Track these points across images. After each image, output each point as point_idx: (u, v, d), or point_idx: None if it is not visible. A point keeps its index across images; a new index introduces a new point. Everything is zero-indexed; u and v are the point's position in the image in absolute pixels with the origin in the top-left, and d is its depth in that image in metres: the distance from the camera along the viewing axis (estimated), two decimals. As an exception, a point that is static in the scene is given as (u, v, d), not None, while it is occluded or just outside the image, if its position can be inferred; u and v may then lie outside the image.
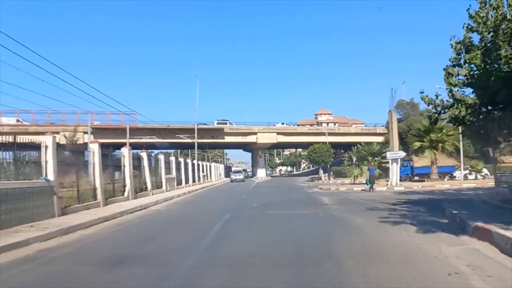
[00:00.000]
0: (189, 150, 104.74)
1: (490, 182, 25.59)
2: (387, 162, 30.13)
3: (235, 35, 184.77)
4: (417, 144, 32.04)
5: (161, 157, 27.32)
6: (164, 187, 26.13)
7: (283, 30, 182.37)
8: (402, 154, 28.01)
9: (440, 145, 31.51)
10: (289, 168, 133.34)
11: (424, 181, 33.07)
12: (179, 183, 31.84)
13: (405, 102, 75.71)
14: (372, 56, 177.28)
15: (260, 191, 28.65)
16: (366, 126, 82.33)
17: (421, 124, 32.19)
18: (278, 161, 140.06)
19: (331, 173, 55.33)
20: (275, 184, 42.24)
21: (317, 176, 55.49)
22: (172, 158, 32.65)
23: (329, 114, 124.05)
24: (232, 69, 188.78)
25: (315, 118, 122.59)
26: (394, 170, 28.21)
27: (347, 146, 65.72)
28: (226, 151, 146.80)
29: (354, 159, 33.72)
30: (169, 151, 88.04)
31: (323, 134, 67.00)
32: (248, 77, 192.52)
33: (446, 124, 31.37)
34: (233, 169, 67.49)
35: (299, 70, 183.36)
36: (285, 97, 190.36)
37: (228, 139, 72.31)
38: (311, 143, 54.87)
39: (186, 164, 36.35)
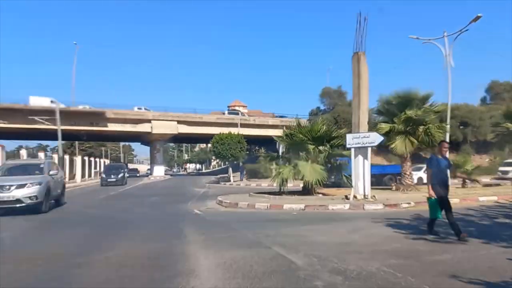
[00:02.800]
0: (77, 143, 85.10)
1: None
2: (341, 155, 16.76)
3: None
4: (385, 127, 19.11)
5: None
6: None
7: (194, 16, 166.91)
8: (378, 138, 14.59)
9: (421, 128, 18.92)
10: (198, 166, 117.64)
11: (391, 188, 20.39)
12: None
13: (331, 90, 64.97)
14: (293, 47, 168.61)
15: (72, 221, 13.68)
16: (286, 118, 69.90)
17: (394, 97, 19.36)
18: (186, 158, 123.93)
19: (244, 172, 41.51)
20: (159, 189, 30.24)
21: (227, 175, 41.22)
22: None
23: (243, 106, 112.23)
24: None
25: (228, 110, 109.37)
26: (361, 170, 14.79)
27: (264, 142, 52.94)
28: (133, 146, 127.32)
29: (281, 149, 19.78)
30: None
31: (235, 125, 53.47)
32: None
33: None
34: (104, 166, 50.32)
35: (212, 56, 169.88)
36: (196, 85, 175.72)
37: (112, 127, 55.27)
38: (221, 135, 40.45)
39: None
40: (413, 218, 11.11)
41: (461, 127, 54.78)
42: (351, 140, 14.58)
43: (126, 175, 39.10)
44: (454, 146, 53.81)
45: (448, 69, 21.02)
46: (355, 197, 14.66)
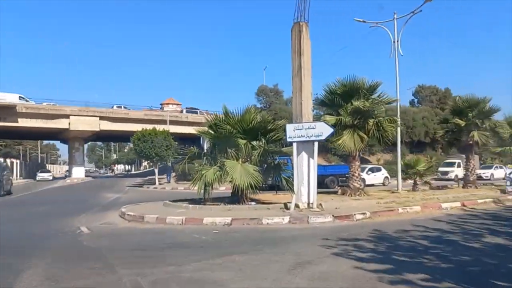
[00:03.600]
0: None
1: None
2: (280, 153, 13.47)
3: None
4: (330, 119, 16.15)
5: None
6: None
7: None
8: (326, 130, 11.33)
9: (371, 122, 16.18)
10: (128, 167, 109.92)
11: (336, 192, 17.54)
12: None
13: (268, 89, 62.49)
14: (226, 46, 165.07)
15: None
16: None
17: (339, 87, 16.42)
18: (115, 158, 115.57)
19: (172, 173, 37.36)
20: (61, 195, 25.61)
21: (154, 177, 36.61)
22: None
23: (177, 104, 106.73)
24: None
25: (161, 108, 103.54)
26: (305, 170, 11.53)
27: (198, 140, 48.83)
28: (58, 145, 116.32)
29: (206, 145, 16.03)
30: None
31: (164, 122, 49.00)
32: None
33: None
34: None
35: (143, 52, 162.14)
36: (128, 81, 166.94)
37: (24, 122, 48.25)
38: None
39: None
40: (375, 237, 8.01)
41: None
42: (292, 132, 11.28)
43: (10, 178, 28.36)
44: (391, 146, 53.74)
45: (396, 57, 18.67)
46: (297, 206, 11.39)
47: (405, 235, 8.18)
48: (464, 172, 21.15)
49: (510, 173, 16.63)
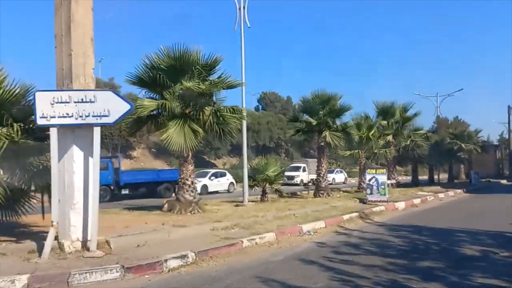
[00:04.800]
0: None
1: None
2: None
3: None
4: (149, 105, 11.12)
5: None
6: None
7: None
8: (119, 104, 6.18)
9: (207, 110, 11.65)
10: None
11: (162, 207, 12.39)
12: None
13: (102, 83, 54.39)
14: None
15: None
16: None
17: (164, 59, 11.44)
18: None
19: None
20: None
21: None
22: None
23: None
24: None
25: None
26: (78, 181, 6.12)
27: None
28: None
29: None
30: None
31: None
32: None
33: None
34: None
35: None
36: None
37: None
38: None
39: None
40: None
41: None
42: (49, 106, 5.83)
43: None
44: (237, 150, 51.47)
45: (242, 29, 14.52)
46: (61, 247, 5.97)
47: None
48: (316, 177, 18.43)
49: (370, 180, 14.07)
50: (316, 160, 19.82)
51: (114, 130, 32.87)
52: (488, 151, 40.47)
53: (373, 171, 14.65)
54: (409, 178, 35.46)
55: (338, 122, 18.54)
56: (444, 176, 36.85)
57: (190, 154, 12.01)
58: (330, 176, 32.42)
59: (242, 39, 14.31)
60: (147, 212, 11.97)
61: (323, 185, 17.70)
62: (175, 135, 11.19)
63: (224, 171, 26.00)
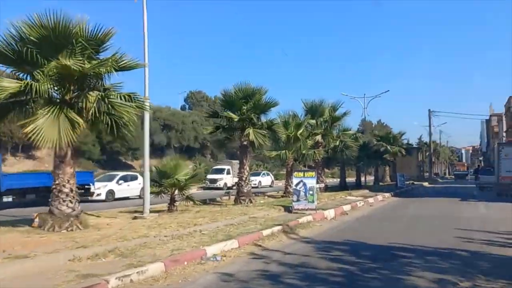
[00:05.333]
0: None
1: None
2: None
3: None
4: (10, 85, 8.21)
5: None
6: None
7: None
8: None
9: (93, 96, 8.98)
10: None
11: (32, 223, 9.45)
12: None
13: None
14: None
15: None
16: None
17: (36, 28, 8.56)
18: None
19: None
20: None
21: None
22: None
23: None
24: None
25: None
26: None
27: None
28: None
29: None
30: None
31: None
32: None
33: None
34: None
35: None
36: None
37: None
38: None
39: None
40: None
41: (164, 130, 49.38)
42: None
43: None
44: (159, 151, 48.05)
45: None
46: None
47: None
48: (237, 181, 16.30)
49: (297, 184, 12.16)
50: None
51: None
52: (411, 154, 41.31)
53: (301, 174, 12.79)
54: (336, 180, 34.76)
55: (263, 119, 16.67)
56: (370, 179, 36.81)
57: (70, 152, 9.23)
58: (256, 179, 30.60)
59: (144, 9, 11.66)
60: (10, 229, 8.99)
61: (245, 190, 15.60)
62: (45, 126, 8.40)
63: (135, 174, 22.84)
